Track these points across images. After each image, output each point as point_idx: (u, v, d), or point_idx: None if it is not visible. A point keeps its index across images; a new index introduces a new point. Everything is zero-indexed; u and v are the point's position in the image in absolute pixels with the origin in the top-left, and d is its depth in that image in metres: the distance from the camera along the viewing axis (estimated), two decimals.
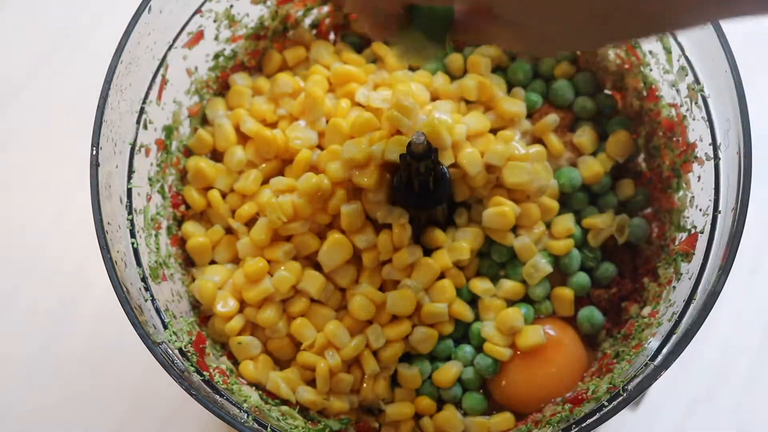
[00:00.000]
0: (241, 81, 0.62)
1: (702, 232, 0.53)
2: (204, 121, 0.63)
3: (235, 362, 0.58)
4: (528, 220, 0.59)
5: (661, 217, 0.60)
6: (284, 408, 0.56)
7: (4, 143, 0.77)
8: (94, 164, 0.51)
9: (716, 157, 0.53)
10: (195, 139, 0.61)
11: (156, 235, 0.57)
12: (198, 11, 0.58)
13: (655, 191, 0.60)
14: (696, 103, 0.55)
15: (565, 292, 0.59)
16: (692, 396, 0.69)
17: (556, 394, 0.57)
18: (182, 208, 0.61)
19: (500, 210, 0.58)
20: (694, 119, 0.55)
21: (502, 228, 0.58)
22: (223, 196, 0.61)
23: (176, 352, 0.52)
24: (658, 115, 0.58)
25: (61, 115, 0.77)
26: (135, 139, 0.56)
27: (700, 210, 0.54)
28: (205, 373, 0.52)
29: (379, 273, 0.58)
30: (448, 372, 0.58)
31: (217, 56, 0.62)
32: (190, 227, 0.60)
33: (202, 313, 0.60)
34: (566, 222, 0.60)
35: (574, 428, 0.50)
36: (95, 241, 0.50)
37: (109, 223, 0.51)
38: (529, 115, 0.62)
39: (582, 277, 0.60)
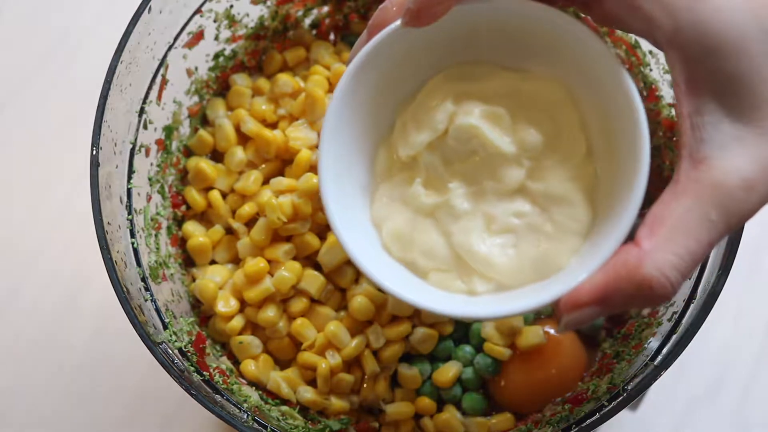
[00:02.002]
0: (241, 81, 0.62)
1: None
2: (204, 121, 0.63)
3: (236, 362, 0.58)
4: None
5: None
6: (284, 408, 0.56)
7: (4, 143, 0.77)
8: (94, 164, 0.51)
9: None
10: (195, 140, 0.61)
11: (156, 235, 0.57)
12: (198, 11, 0.58)
13: (655, 191, 0.60)
14: None
15: None
16: (692, 396, 0.69)
17: (556, 394, 0.57)
18: (182, 208, 0.61)
19: None
20: None
21: None
22: (224, 196, 0.61)
23: (176, 352, 0.52)
24: (658, 115, 0.58)
25: (61, 115, 0.77)
26: (135, 139, 0.56)
27: None
28: (205, 373, 0.52)
29: None
30: (448, 372, 0.58)
31: (217, 56, 0.62)
32: (190, 227, 0.60)
33: (202, 313, 0.60)
34: None
35: (574, 428, 0.50)
36: (95, 241, 0.50)
37: (109, 223, 0.51)
38: None
39: None
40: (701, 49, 0.38)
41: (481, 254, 0.46)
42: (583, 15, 0.45)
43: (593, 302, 0.39)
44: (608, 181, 0.46)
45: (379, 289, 0.51)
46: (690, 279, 0.53)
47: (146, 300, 0.53)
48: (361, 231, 0.48)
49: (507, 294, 0.46)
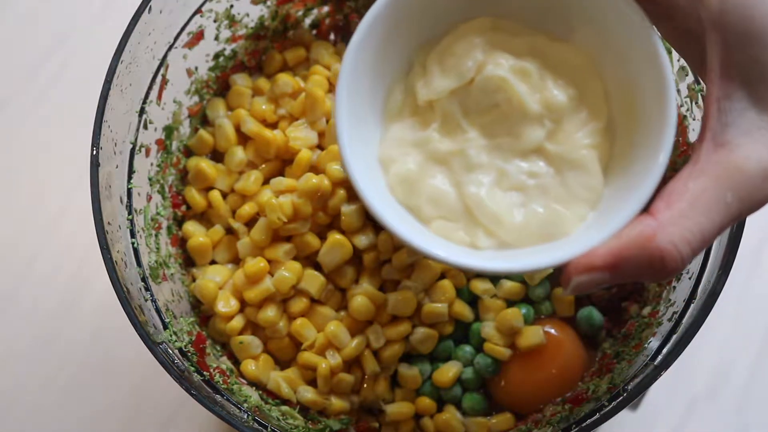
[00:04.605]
0: (241, 81, 0.62)
1: None
2: (204, 121, 0.63)
3: (236, 362, 0.58)
4: None
5: None
6: (284, 408, 0.56)
7: (4, 143, 0.77)
8: (94, 164, 0.51)
9: None
10: (195, 140, 0.61)
11: (156, 235, 0.58)
12: (198, 11, 0.58)
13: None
14: (696, 102, 0.55)
15: None
16: (692, 396, 0.69)
17: (556, 394, 0.57)
18: (182, 208, 0.61)
19: None
20: (694, 119, 0.55)
21: None
22: (224, 196, 0.61)
23: (176, 352, 0.52)
24: None
25: (61, 115, 0.77)
26: (135, 139, 0.56)
27: None
28: (205, 373, 0.53)
29: (379, 273, 0.58)
30: (448, 372, 0.58)
31: (217, 56, 0.62)
32: (190, 227, 0.60)
33: (203, 313, 0.60)
34: None
35: (574, 428, 0.50)
36: (95, 241, 0.50)
37: (109, 223, 0.51)
38: None
39: None
40: (742, 34, 0.39)
41: (491, 209, 0.46)
42: None
43: (605, 267, 0.40)
44: (624, 155, 0.46)
45: (379, 225, 0.47)
46: (690, 279, 0.53)
47: (146, 300, 0.53)
48: (369, 169, 0.47)
49: (510, 252, 0.45)
